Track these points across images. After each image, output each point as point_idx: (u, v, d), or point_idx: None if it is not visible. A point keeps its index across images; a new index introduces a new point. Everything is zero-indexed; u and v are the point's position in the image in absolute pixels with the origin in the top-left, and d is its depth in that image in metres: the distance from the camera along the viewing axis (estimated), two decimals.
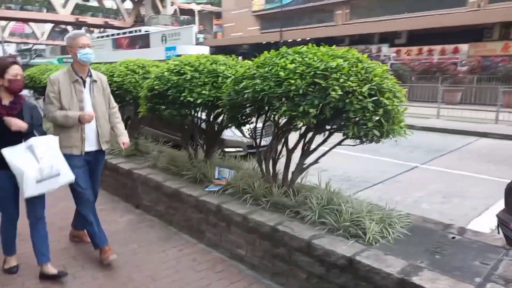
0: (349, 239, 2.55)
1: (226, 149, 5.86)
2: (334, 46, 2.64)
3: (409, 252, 2.41)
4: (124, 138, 3.16)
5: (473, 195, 5.30)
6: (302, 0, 31.98)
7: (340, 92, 2.25)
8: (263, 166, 3.36)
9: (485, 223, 4.28)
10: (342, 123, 2.46)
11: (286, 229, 2.71)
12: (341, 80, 2.30)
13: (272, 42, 29.98)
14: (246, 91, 2.60)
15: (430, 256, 2.36)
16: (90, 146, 3.00)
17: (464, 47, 23.92)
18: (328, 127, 2.77)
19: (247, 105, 2.78)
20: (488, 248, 2.49)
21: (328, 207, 2.80)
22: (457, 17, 23.18)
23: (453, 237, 2.64)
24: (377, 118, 2.35)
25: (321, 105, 2.34)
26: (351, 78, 2.32)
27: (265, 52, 2.82)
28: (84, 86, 2.97)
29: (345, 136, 2.58)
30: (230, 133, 6.18)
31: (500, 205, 4.78)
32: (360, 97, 2.29)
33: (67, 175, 2.70)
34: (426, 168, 6.87)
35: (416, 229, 2.76)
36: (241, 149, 6.52)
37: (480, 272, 2.18)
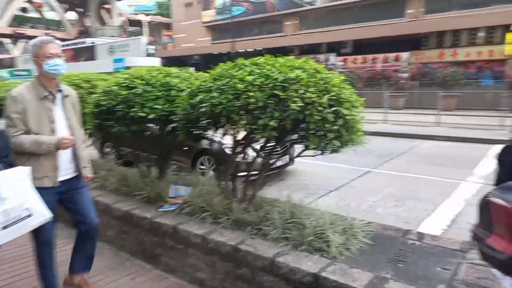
0: (314, 253, 2.49)
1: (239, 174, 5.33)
2: (292, 57, 2.59)
3: (373, 263, 2.39)
4: (87, 171, 2.72)
5: (423, 196, 5.53)
6: (252, 12, 32.43)
7: (300, 104, 2.20)
8: (222, 182, 3.22)
9: (436, 224, 4.49)
10: (303, 135, 2.41)
11: (248, 248, 2.59)
12: (301, 92, 2.25)
13: (224, 52, 30.01)
14: (202, 105, 2.46)
15: (394, 266, 2.36)
16: (65, 173, 2.55)
17: (405, 55, 25.52)
18: (288, 138, 2.71)
19: (204, 119, 2.64)
20: (446, 252, 2.55)
21: (291, 221, 2.73)
22: (398, 27, 24.71)
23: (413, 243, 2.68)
24: (337, 128, 2.33)
25: (281, 117, 2.27)
26: (310, 89, 2.28)
27: (221, 63, 2.71)
28: (55, 103, 2.51)
29: (306, 148, 2.53)
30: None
31: (447, 204, 5.08)
32: (320, 108, 2.25)
33: (42, 215, 2.17)
34: (379, 172, 7.10)
35: (378, 238, 2.77)
36: (255, 172, 5.88)
37: (442, 278, 2.21)
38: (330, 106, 2.32)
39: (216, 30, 35.73)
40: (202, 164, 5.84)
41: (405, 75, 21.75)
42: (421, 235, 2.83)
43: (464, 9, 23.56)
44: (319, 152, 2.58)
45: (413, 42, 24.97)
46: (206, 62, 29.28)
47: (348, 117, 2.36)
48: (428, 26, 23.77)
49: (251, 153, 3.08)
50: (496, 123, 11.69)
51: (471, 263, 2.35)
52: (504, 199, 1.13)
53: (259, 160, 3.03)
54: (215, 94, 2.41)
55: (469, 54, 23.29)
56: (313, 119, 2.24)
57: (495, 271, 1.25)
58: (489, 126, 11.78)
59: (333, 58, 26.36)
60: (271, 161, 3.04)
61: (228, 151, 3.46)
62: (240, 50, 29.01)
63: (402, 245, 2.66)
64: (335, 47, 26.65)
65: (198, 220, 3.05)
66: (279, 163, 5.83)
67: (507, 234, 1.11)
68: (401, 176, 6.77)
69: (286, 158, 6.21)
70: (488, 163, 7.50)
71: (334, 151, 2.53)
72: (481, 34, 23.20)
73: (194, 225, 2.99)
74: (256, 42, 30.47)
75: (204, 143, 4.27)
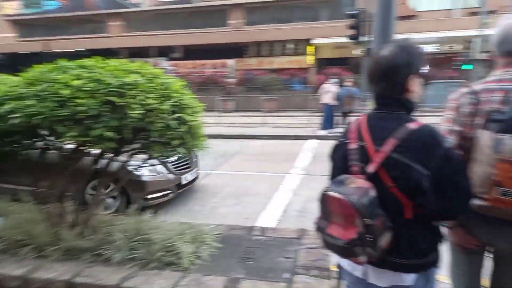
0: (165, 269, 2.35)
1: (150, 196, 4.26)
2: (126, 60, 2.36)
3: (225, 265, 2.43)
4: None
5: (257, 191, 6.01)
6: (68, 7, 28.92)
7: (140, 111, 2.02)
8: (47, 206, 2.70)
9: (271, 216, 4.94)
10: (145, 143, 2.23)
11: (87, 280, 2.25)
12: (140, 98, 2.07)
13: (36, 52, 25.80)
14: (14, 116, 1.98)
15: (244, 264, 2.45)
16: None
17: (231, 62, 27.50)
18: (128, 148, 2.47)
19: (18, 132, 2.14)
20: (286, 242, 2.81)
21: (136, 239, 2.51)
22: (223, 36, 26.42)
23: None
24: (181, 135, 2.25)
25: (119, 126, 2.03)
26: (150, 95, 2.12)
27: (36, 65, 2.25)
28: None
29: (150, 157, 2.36)
30: (152, 172, 4.47)
31: (277, 196, 5.67)
32: (162, 115, 2.12)
33: None
34: (218, 173, 7.37)
35: (227, 239, 2.83)
36: (169, 191, 4.94)
37: (286, 267, 2.41)
38: (173, 112, 2.22)
39: (24, 25, 30.35)
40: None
41: (233, 80, 23.44)
42: (263, 230, 3.05)
43: (276, 23, 27.05)
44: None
45: (237, 50, 27.17)
46: (12, 62, 24.60)
47: (191, 123, 2.31)
48: (248, 36, 26.27)
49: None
50: (306, 121, 13.83)
51: (307, 247, 2.66)
52: (338, 192, 1.29)
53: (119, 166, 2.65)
54: (31, 102, 1.97)
55: (282, 63, 26.93)
56: (155, 127, 2.10)
57: (335, 256, 1.41)
58: (302, 124, 13.85)
59: (164, 63, 26.13)
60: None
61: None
62: (56, 50, 25.52)
63: (249, 242, 2.79)
64: (166, 52, 26.48)
65: (16, 258, 2.47)
66: (190, 177, 5.35)
67: (343, 222, 1.27)
68: (237, 174, 7.21)
69: (194, 172, 5.64)
70: (304, 156, 8.77)
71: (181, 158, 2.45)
72: (290, 45, 27.15)
73: (11, 265, 2.40)
74: (76, 42, 27.36)
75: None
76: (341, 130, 8.28)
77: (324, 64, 24.31)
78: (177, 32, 26.73)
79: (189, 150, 2.43)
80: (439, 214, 1.31)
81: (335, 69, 20.31)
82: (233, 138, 11.79)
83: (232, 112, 18.57)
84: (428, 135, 1.26)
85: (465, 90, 1.64)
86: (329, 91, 11.68)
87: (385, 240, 1.28)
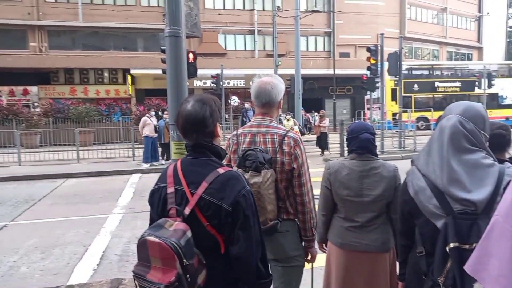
0: None
1: None
2: None
3: None
4: None
5: (71, 240, 5.36)
6: None
7: None
8: None
9: (88, 265, 4.48)
10: None
11: None
12: None
13: None
14: None
15: None
16: None
17: (34, 88, 24.01)
18: None
19: None
20: None
21: None
22: (22, 60, 22.90)
23: None
24: None
25: None
26: None
27: None
28: None
29: None
30: None
31: (96, 242, 5.20)
32: None
33: None
34: (18, 224, 6.22)
35: None
36: None
37: None
38: None
39: None
40: None
41: (38, 110, 20.40)
42: None
43: (89, 50, 25.29)
44: None
45: (41, 76, 24.00)
46: None
47: None
48: (55, 61, 23.64)
49: None
50: (129, 154, 13.26)
51: None
52: (155, 236, 1.33)
53: None
54: None
55: (98, 91, 25.23)
56: None
57: None
58: (125, 158, 13.20)
59: None
60: None
61: None
62: None
63: None
64: None
65: None
66: None
67: (162, 266, 1.31)
68: (45, 223, 6.25)
69: None
70: (129, 192, 8.36)
71: None
72: (107, 74, 25.79)
73: None
74: None
75: None
76: (163, 162, 8.35)
77: (144, 95, 24.08)
78: None
79: None
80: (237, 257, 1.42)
81: (155, 99, 20.35)
82: (40, 179, 10.18)
83: (37, 147, 16.07)
84: (231, 177, 1.45)
85: (234, 132, 2.16)
86: (148, 123, 11.60)
87: (201, 277, 1.38)
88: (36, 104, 22.81)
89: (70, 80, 25.15)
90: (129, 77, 24.52)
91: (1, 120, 17.21)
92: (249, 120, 2.61)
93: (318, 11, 25.51)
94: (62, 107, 19.30)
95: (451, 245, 1.35)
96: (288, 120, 13.56)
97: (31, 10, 23.56)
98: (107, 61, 24.62)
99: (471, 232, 1.35)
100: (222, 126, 18.72)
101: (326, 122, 13.76)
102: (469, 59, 36.45)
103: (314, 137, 15.53)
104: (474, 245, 1.24)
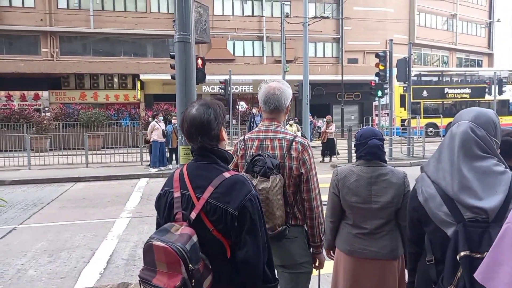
0: None
1: None
2: None
3: None
4: None
5: (78, 243, 5.39)
6: None
7: None
8: None
9: (95, 269, 4.49)
10: None
11: None
12: None
13: None
14: None
15: None
16: None
17: (45, 93, 24.37)
18: None
19: None
20: None
21: None
22: (34, 65, 23.28)
23: None
24: None
25: None
26: None
27: None
28: None
29: None
30: None
31: (104, 246, 5.22)
32: None
33: None
34: (26, 227, 6.27)
35: None
36: None
37: None
38: None
39: None
40: None
41: (48, 115, 20.65)
42: None
43: (99, 56, 25.63)
44: None
45: (52, 81, 24.36)
46: None
47: None
48: (67, 67, 23.99)
49: None
50: (137, 159, 13.35)
51: None
52: (161, 240, 1.32)
53: None
54: None
55: (108, 96, 25.50)
56: None
57: None
58: (132, 162, 13.29)
59: None
60: None
61: None
62: None
63: None
64: None
65: None
66: None
67: (167, 271, 1.30)
68: (53, 226, 6.29)
69: None
70: (137, 196, 8.39)
71: None
72: (116, 79, 26.08)
73: None
74: None
75: None
76: (171, 166, 8.35)
77: (153, 100, 24.27)
78: None
79: None
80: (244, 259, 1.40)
81: (163, 104, 20.48)
82: (49, 183, 10.30)
83: (47, 151, 16.27)
84: (237, 181, 1.43)
85: (241, 137, 2.14)
86: (156, 128, 11.67)
87: (207, 282, 1.37)
88: (46, 108, 23.13)
89: (80, 85, 25.47)
90: (138, 83, 24.77)
91: (12, 124, 17.46)
92: (257, 126, 2.60)
93: (327, 18, 25.55)
94: (72, 112, 19.51)
95: (462, 253, 1.32)
96: (291, 125, 13.52)
97: (44, 16, 23.97)
98: (117, 66, 24.91)
99: (482, 241, 1.31)
100: (229, 132, 18.78)
101: (333, 128, 13.69)
102: (479, 65, 36.13)
103: (319, 142, 15.45)
104: (485, 253, 1.21)
